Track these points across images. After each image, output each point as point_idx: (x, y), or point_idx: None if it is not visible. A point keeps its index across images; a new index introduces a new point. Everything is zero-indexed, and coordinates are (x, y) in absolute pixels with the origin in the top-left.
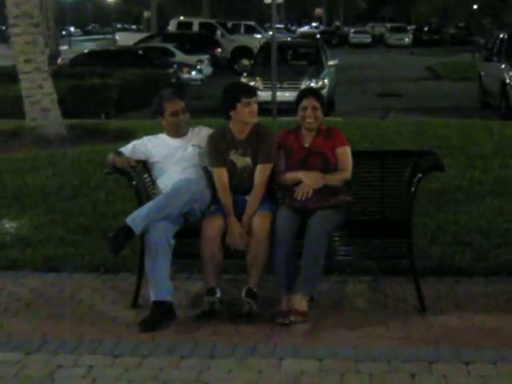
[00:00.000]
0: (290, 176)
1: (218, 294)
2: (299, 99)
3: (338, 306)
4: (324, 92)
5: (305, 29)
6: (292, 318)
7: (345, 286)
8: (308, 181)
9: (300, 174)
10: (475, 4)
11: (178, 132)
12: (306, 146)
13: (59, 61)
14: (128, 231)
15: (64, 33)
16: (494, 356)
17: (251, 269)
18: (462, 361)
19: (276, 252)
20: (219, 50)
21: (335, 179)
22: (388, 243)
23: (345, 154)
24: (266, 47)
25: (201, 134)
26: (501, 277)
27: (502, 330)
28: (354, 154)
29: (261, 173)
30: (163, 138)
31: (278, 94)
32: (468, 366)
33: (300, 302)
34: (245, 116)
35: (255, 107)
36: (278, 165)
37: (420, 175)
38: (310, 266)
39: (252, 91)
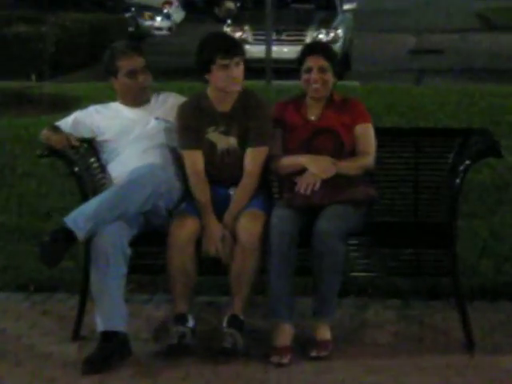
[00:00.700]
0: (290, 162)
1: (191, 323)
2: (302, 57)
3: (355, 340)
4: (337, 47)
5: None
6: (313, 354)
7: (365, 312)
8: (314, 168)
9: (303, 159)
10: None
11: (136, 99)
12: (313, 120)
13: None
14: (68, 235)
15: None
16: None
17: (236, 288)
18: None
19: (270, 265)
20: None
21: (352, 167)
22: (423, 255)
23: (366, 133)
24: None
25: (167, 102)
26: None
27: None
28: (378, 131)
29: (252, 159)
30: (116, 107)
31: (275, 49)
32: None
33: (321, 332)
34: (222, 82)
35: (238, 70)
36: (274, 147)
37: (468, 162)
38: (327, 284)
39: (232, 48)
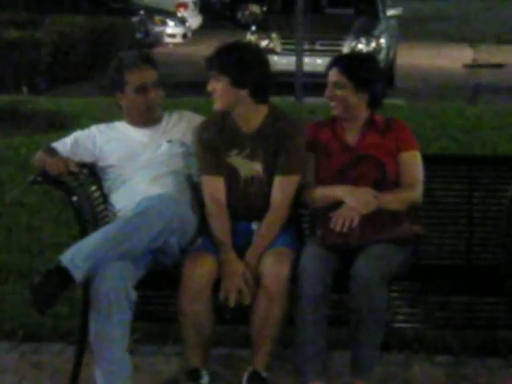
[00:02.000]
0: (325, 193)
1: (206, 380)
2: (327, 71)
3: None
4: (380, 58)
5: None
6: None
7: (409, 369)
8: (353, 201)
9: (340, 191)
10: None
11: (145, 118)
12: (351, 145)
13: None
14: (63, 276)
15: None
16: None
17: (259, 340)
18: None
19: (299, 313)
20: None
21: (396, 200)
22: (478, 304)
23: (413, 161)
24: None
25: (182, 122)
26: None
27: None
28: (426, 159)
29: (281, 188)
30: (122, 128)
31: (306, 60)
32: None
33: None
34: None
35: (216, 86)
36: (306, 175)
37: None
38: (366, 336)
39: (210, 62)
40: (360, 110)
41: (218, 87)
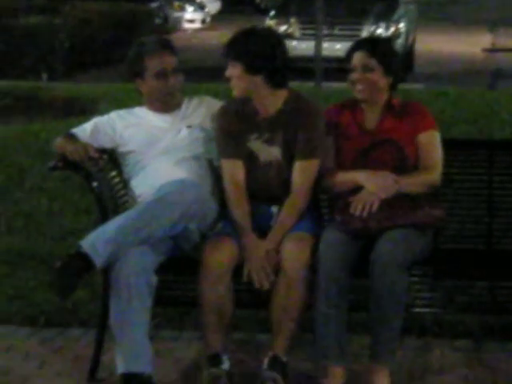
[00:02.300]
0: (345, 178)
1: (226, 365)
2: (348, 55)
3: None
4: (398, 43)
5: None
6: None
7: (429, 354)
8: (372, 186)
9: (360, 176)
10: None
11: (165, 104)
12: (370, 129)
13: None
14: (84, 261)
15: None
16: None
17: (279, 325)
18: None
19: (319, 298)
20: None
21: (415, 183)
22: (498, 288)
23: (432, 142)
24: None
25: (202, 108)
26: None
27: None
28: (446, 143)
29: (301, 173)
30: (142, 113)
31: (325, 45)
32: None
33: (379, 376)
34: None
35: (233, 73)
36: (326, 160)
37: None
38: (387, 321)
39: (226, 49)
40: (384, 94)
41: (235, 74)
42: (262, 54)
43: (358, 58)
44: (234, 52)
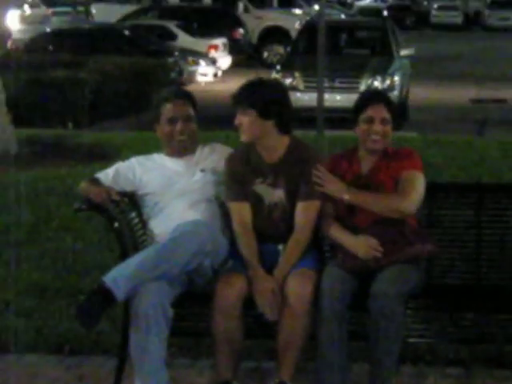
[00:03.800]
0: (336, 237)
1: None
2: (361, 106)
3: None
4: (394, 95)
5: (366, 2)
6: None
7: (423, 381)
8: (359, 252)
9: (346, 241)
10: None
11: (172, 148)
12: (364, 175)
13: (9, 44)
14: (106, 295)
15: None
16: None
17: (284, 353)
18: None
19: (321, 329)
20: (241, 31)
21: (382, 204)
22: (487, 320)
23: (411, 179)
24: (309, 28)
25: (214, 154)
26: None
27: None
28: (436, 186)
29: (303, 213)
30: (160, 159)
31: (326, 96)
32: None
33: None
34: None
35: (243, 120)
36: (326, 205)
37: None
38: (385, 351)
39: (238, 97)
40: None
41: (245, 120)
42: (273, 101)
43: (377, 110)
44: (247, 99)
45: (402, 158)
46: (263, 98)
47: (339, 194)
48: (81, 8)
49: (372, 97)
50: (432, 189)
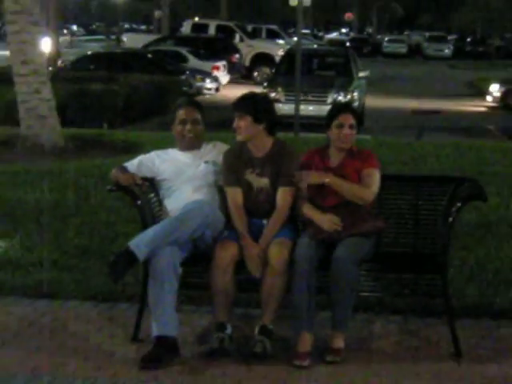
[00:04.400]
0: (307, 213)
1: (229, 331)
2: (333, 114)
3: (362, 349)
4: (354, 106)
5: (333, 35)
6: (329, 358)
7: (371, 325)
8: (325, 226)
9: (315, 217)
10: None
11: (183, 144)
12: (332, 167)
13: (59, 63)
14: (131, 256)
15: (65, 32)
16: None
17: (266, 303)
18: None
19: (295, 285)
20: (237, 56)
21: (351, 191)
22: (420, 279)
23: (370, 175)
24: (289, 55)
25: (215, 149)
26: None
27: None
28: (385, 177)
29: (282, 196)
30: (173, 153)
31: (302, 107)
32: None
33: (336, 340)
34: (235, 131)
35: (238, 123)
36: (301, 189)
37: (459, 204)
38: (343, 301)
39: (235, 107)
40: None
41: (242, 124)
42: (264, 110)
43: (346, 118)
44: (244, 108)
45: (364, 157)
46: (256, 107)
47: (323, 178)
48: (113, 37)
49: (342, 108)
50: (382, 179)
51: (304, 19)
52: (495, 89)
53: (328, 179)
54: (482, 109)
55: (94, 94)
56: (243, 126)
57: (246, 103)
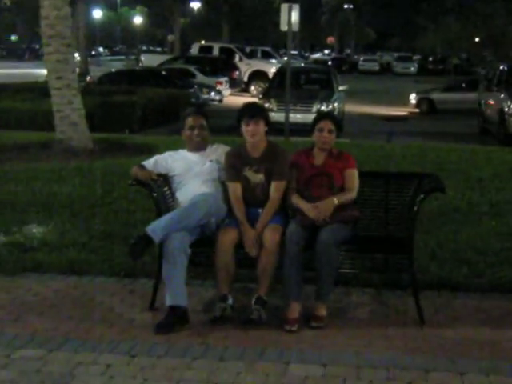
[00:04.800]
0: (296, 202)
1: (230, 301)
2: (317, 121)
3: (342, 316)
4: (335, 114)
5: (317, 56)
6: (314, 323)
7: (349, 297)
8: (310, 214)
9: (303, 206)
10: (477, 37)
11: (191, 146)
12: (316, 165)
13: (88, 79)
14: (148, 239)
15: (93, 52)
16: (487, 367)
17: (261, 278)
18: (457, 371)
19: (285, 263)
20: (237, 72)
21: (344, 198)
22: (390, 258)
23: (352, 176)
24: (280, 72)
25: (218, 150)
26: (495, 293)
27: (495, 343)
28: (361, 174)
29: (275, 189)
30: (183, 153)
31: (291, 115)
32: (462, 377)
33: (320, 309)
34: (245, 134)
35: (255, 128)
36: (291, 183)
37: (422, 196)
38: (326, 276)
39: (256, 112)
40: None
41: (259, 127)
42: (268, 115)
43: (327, 123)
44: (260, 113)
45: (345, 159)
46: (266, 113)
47: (319, 216)
48: (133, 57)
49: (324, 115)
50: (358, 176)
51: (293, 42)
52: (412, 97)
53: (336, 201)
54: (404, 113)
55: (116, 105)
56: (260, 129)
57: (260, 110)
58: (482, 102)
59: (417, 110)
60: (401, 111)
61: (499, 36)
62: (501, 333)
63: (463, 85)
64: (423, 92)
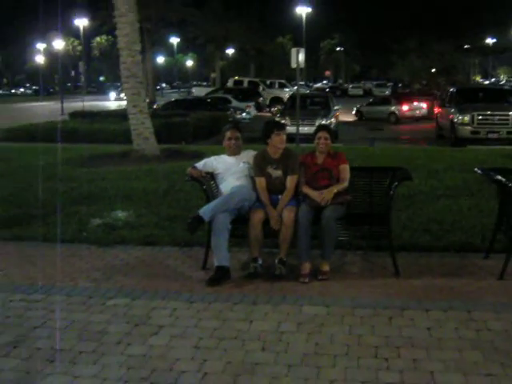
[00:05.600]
0: (306, 191)
1: (260, 262)
2: (316, 132)
3: (340, 271)
4: (332, 127)
5: (318, 85)
6: (320, 277)
7: (344, 257)
8: (317, 199)
9: (311, 193)
10: (434, 68)
11: (229, 152)
12: (319, 163)
13: (155, 106)
14: (200, 219)
15: (158, 87)
16: (445, 306)
17: (282, 245)
18: (424, 309)
19: (299, 233)
20: (261, 98)
21: (340, 187)
22: (374, 229)
23: (345, 169)
24: (292, 97)
25: (249, 154)
26: (450, 252)
27: (451, 288)
28: (351, 169)
29: (290, 182)
30: (224, 157)
31: (300, 128)
32: (427, 313)
33: (324, 266)
34: (276, 142)
35: (284, 137)
36: (301, 176)
37: (396, 183)
38: (328, 242)
39: (281, 126)
40: (329, 148)
41: (285, 138)
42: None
43: (323, 133)
44: (284, 127)
45: (339, 156)
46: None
47: (324, 201)
48: (186, 89)
49: (321, 128)
50: (350, 170)
51: (300, 75)
52: (354, 110)
53: (335, 189)
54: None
55: (175, 124)
56: (285, 138)
57: (282, 125)
58: (438, 115)
59: (356, 118)
60: (351, 119)
61: (450, 67)
62: (455, 280)
63: (378, 101)
64: (358, 106)
